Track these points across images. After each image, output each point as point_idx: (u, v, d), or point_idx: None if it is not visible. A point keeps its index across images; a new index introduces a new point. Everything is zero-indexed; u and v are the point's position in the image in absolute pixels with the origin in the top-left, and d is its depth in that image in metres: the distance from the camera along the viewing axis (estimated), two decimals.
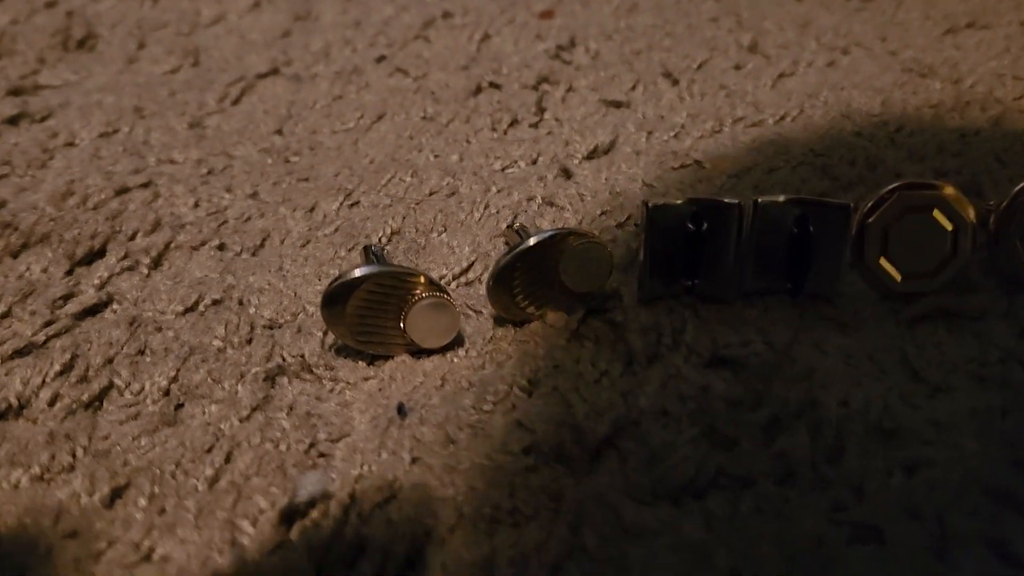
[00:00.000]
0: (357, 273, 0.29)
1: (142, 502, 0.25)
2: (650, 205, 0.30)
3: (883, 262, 0.32)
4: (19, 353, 0.31)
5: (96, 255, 0.36)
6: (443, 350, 0.31)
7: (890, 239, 0.31)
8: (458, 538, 0.24)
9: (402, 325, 0.30)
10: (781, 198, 0.31)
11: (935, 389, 0.28)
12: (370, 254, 0.33)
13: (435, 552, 0.23)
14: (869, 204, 0.31)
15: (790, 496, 0.25)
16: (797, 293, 0.32)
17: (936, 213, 0.31)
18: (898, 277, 0.32)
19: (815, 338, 0.31)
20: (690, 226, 0.31)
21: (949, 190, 0.31)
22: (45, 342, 0.32)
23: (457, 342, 0.31)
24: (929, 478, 0.25)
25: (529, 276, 0.31)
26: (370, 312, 0.29)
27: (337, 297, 0.29)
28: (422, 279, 0.30)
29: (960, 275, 0.32)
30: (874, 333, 0.31)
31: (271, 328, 0.33)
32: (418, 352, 0.31)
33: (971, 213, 0.31)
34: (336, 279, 0.29)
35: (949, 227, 0.31)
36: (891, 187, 0.31)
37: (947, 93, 0.48)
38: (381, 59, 0.54)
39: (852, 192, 0.40)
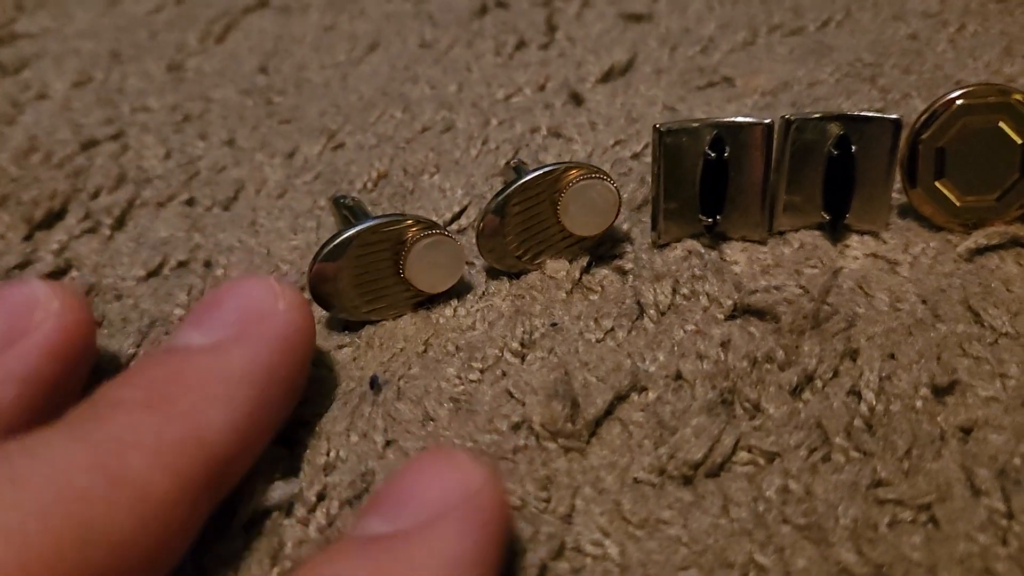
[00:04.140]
0: (334, 244, 0.25)
1: None
2: (662, 128, 0.26)
3: (939, 185, 0.28)
4: None
5: (56, 216, 0.33)
6: (430, 306, 0.27)
7: (948, 158, 0.28)
8: None
9: (403, 275, 0.26)
10: (816, 114, 0.27)
11: (1000, 335, 0.25)
12: (341, 208, 0.29)
13: None
14: (923, 117, 0.28)
15: (823, 472, 0.21)
16: (837, 226, 0.29)
17: (1003, 124, 0.27)
18: (957, 202, 0.28)
19: (858, 279, 0.27)
20: (709, 153, 0.27)
21: (1018, 96, 0.27)
22: None
23: (455, 292, 0.27)
24: (992, 444, 0.22)
25: (524, 219, 0.27)
26: (366, 276, 0.26)
27: (324, 278, 0.25)
28: (409, 222, 0.26)
29: None
30: (928, 271, 0.27)
31: None
32: (420, 304, 0.27)
33: None
34: (313, 262, 0.25)
35: (1018, 140, 0.27)
36: (948, 96, 0.28)
37: None
38: None
39: (906, 105, 0.36)
